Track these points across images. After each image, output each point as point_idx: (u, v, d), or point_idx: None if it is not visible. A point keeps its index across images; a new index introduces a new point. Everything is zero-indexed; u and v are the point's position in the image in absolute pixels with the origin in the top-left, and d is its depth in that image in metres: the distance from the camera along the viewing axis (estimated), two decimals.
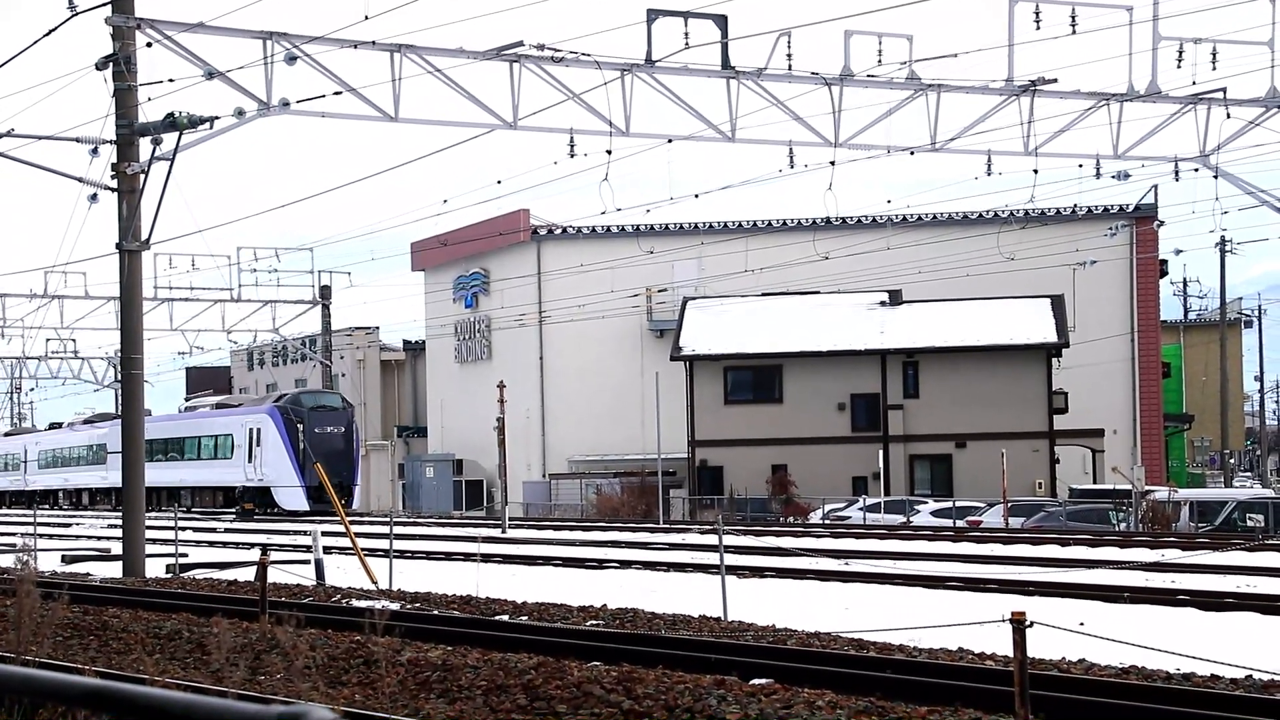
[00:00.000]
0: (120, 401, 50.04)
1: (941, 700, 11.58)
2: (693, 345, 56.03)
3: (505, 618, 18.21)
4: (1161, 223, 53.22)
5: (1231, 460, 73.68)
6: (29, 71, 32.83)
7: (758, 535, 36.63)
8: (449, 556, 31.69)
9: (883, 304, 56.50)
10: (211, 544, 39.32)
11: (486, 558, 29.25)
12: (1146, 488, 45.51)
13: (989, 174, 34.41)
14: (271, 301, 63.83)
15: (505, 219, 63.81)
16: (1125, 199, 58.68)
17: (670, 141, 32.63)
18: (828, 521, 45.34)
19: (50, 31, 28.04)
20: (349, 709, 11.43)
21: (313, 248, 64.97)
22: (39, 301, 62.74)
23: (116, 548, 31.88)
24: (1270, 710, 11.07)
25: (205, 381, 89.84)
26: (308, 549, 27.46)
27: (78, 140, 30.31)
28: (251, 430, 59.32)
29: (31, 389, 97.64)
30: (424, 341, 78.97)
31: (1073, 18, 31.37)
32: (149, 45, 27.63)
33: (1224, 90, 35.25)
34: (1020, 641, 10.74)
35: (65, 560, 33.42)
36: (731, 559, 23.95)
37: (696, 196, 39.33)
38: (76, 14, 27.74)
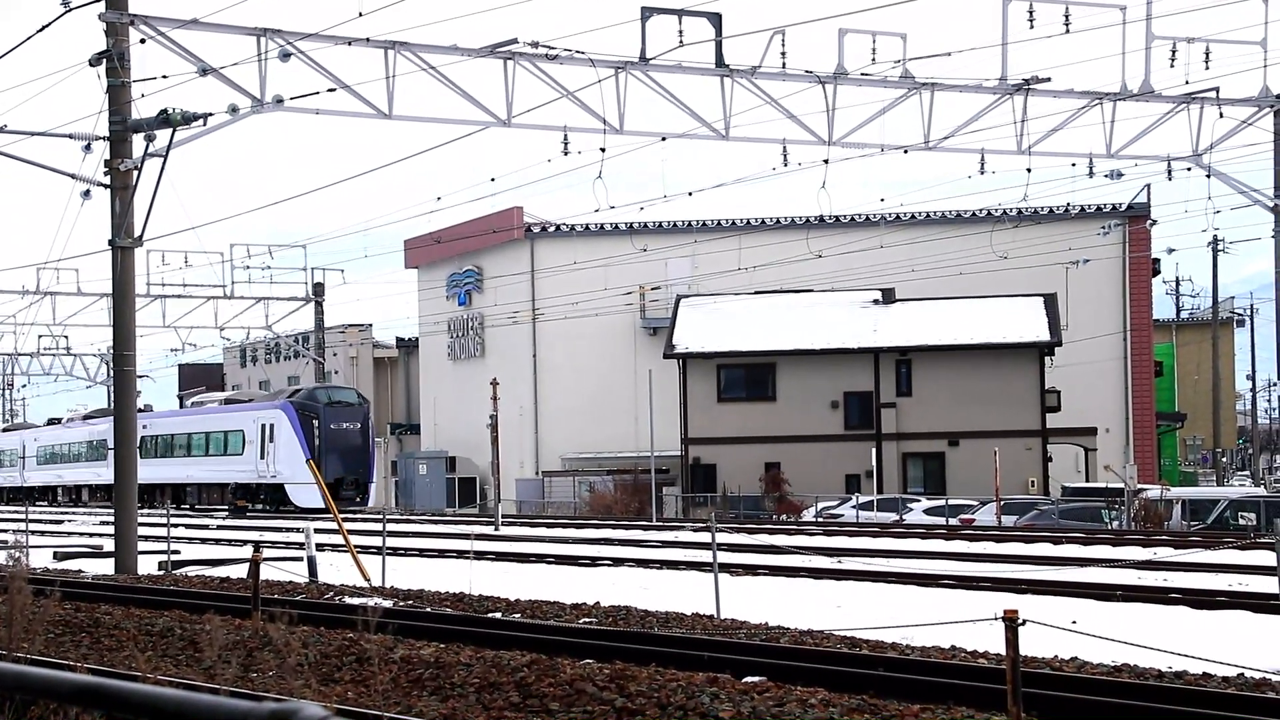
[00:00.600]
0: (112, 398, 49.84)
1: (934, 698, 11.59)
2: (686, 343, 56.02)
3: (498, 615, 18.21)
4: (1154, 221, 53.37)
5: (1224, 459, 73.72)
6: (22, 67, 32.89)
7: (751, 533, 36.66)
8: (442, 554, 31.68)
9: (876, 302, 56.53)
10: (204, 541, 39.29)
11: (479, 555, 29.25)
12: (1139, 486, 45.52)
13: (982, 173, 34.46)
14: (264, 298, 63.67)
15: (499, 216, 63.79)
16: (1118, 198, 58.79)
17: (664, 139, 32.64)
18: (821, 519, 45.34)
19: (44, 27, 27.99)
20: (341, 706, 11.43)
21: (306, 244, 64.85)
22: (31, 298, 62.77)
23: (109, 544, 31.85)
24: (1262, 708, 11.08)
25: (198, 378, 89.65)
26: (301, 546, 27.43)
27: (71, 136, 30.23)
28: (264, 426, 58.46)
29: (23, 386, 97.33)
30: (417, 339, 78.92)
31: (1066, 17, 31.44)
32: (142, 41, 27.58)
33: (1217, 90, 35.34)
34: (1013, 640, 10.76)
35: (57, 557, 33.41)
36: (724, 557, 23.96)
37: (690, 194, 39.47)
38: (70, 10, 27.69)
